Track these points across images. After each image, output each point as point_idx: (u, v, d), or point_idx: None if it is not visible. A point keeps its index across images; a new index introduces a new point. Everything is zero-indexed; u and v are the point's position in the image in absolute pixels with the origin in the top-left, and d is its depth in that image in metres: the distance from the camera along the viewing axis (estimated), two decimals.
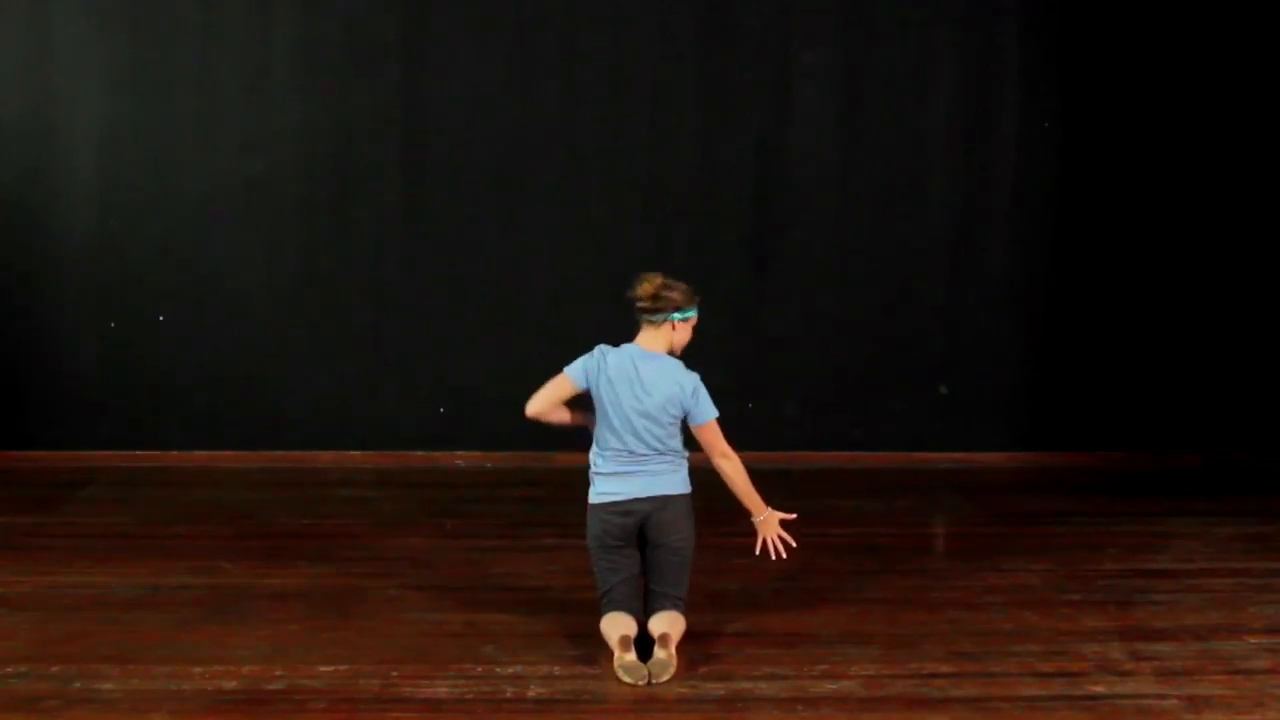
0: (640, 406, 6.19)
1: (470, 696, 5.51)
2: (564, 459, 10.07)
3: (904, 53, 10.37)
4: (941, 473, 10.12)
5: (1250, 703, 5.53)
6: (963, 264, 10.48)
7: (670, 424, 6.23)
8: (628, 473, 6.21)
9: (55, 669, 5.75)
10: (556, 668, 5.84)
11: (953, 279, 10.48)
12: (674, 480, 6.26)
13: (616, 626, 6.01)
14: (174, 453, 10.15)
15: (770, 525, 6.33)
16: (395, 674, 5.73)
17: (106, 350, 10.16)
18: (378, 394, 10.30)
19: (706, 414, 6.26)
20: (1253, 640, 6.27)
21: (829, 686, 5.67)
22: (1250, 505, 9.10)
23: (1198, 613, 6.70)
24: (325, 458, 10.18)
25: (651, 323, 6.28)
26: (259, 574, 7.28)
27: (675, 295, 6.24)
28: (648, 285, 6.23)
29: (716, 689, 5.62)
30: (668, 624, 6.04)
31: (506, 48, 10.20)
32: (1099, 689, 5.63)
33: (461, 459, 10.25)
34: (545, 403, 6.28)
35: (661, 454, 6.23)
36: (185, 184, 10.14)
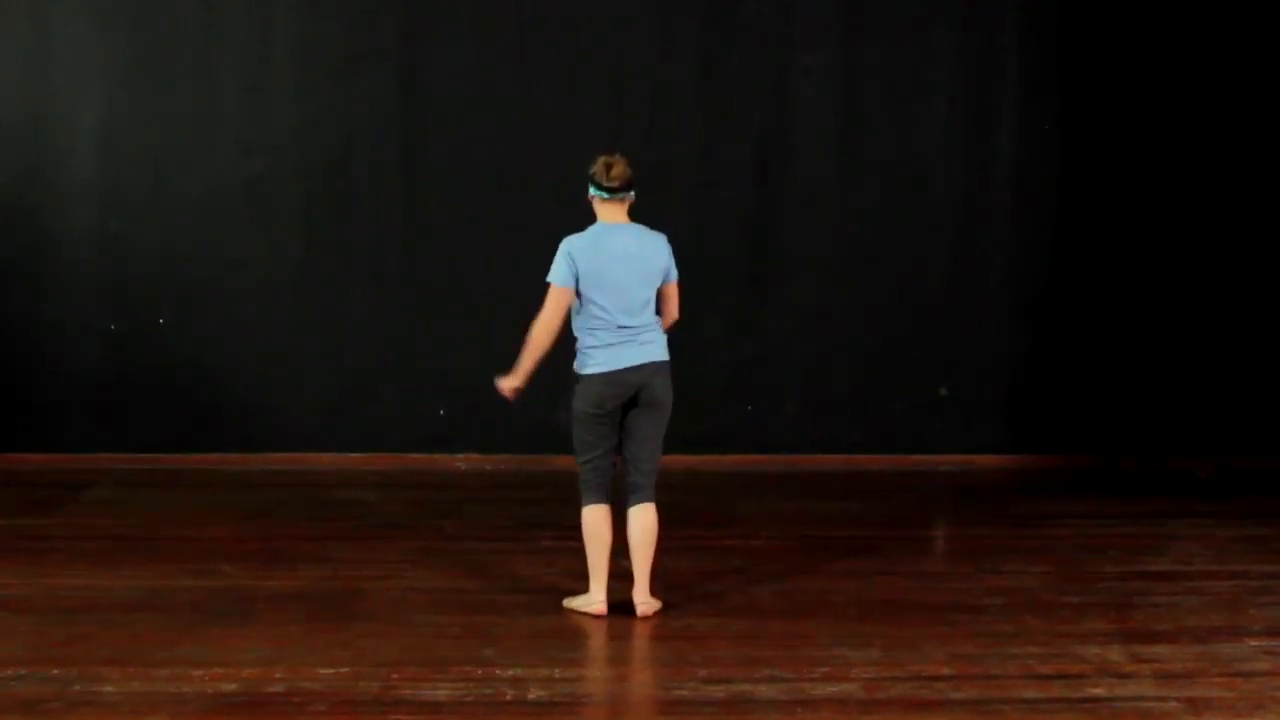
0: (641, 272, 6.62)
1: (470, 699, 5.51)
2: (563, 461, 10.05)
3: (904, 54, 10.38)
4: (941, 474, 10.12)
5: (1250, 705, 5.52)
6: (963, 265, 10.49)
7: (655, 288, 6.69)
8: (622, 343, 6.56)
9: (55, 671, 5.75)
10: (556, 670, 5.83)
11: (953, 280, 10.49)
12: (661, 348, 6.65)
13: (597, 570, 6.56)
14: (174, 455, 10.15)
15: None
16: (395, 676, 5.72)
17: (107, 352, 10.16)
18: (377, 396, 10.30)
19: (675, 272, 6.82)
20: (1253, 642, 6.27)
21: (829, 689, 5.66)
22: (1250, 507, 9.10)
23: (1198, 615, 6.69)
24: (325, 460, 10.18)
25: (620, 199, 6.71)
26: (259, 576, 7.28)
27: (630, 171, 6.72)
28: (621, 166, 6.68)
29: (716, 691, 5.61)
30: (644, 582, 6.58)
31: (506, 47, 10.21)
32: (1099, 691, 5.63)
33: (462, 461, 10.25)
34: (558, 319, 6.70)
35: (648, 324, 6.63)
36: (185, 184, 10.15)
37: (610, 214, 6.71)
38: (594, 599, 6.61)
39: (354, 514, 8.76)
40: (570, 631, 6.38)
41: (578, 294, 6.63)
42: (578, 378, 6.67)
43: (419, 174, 10.25)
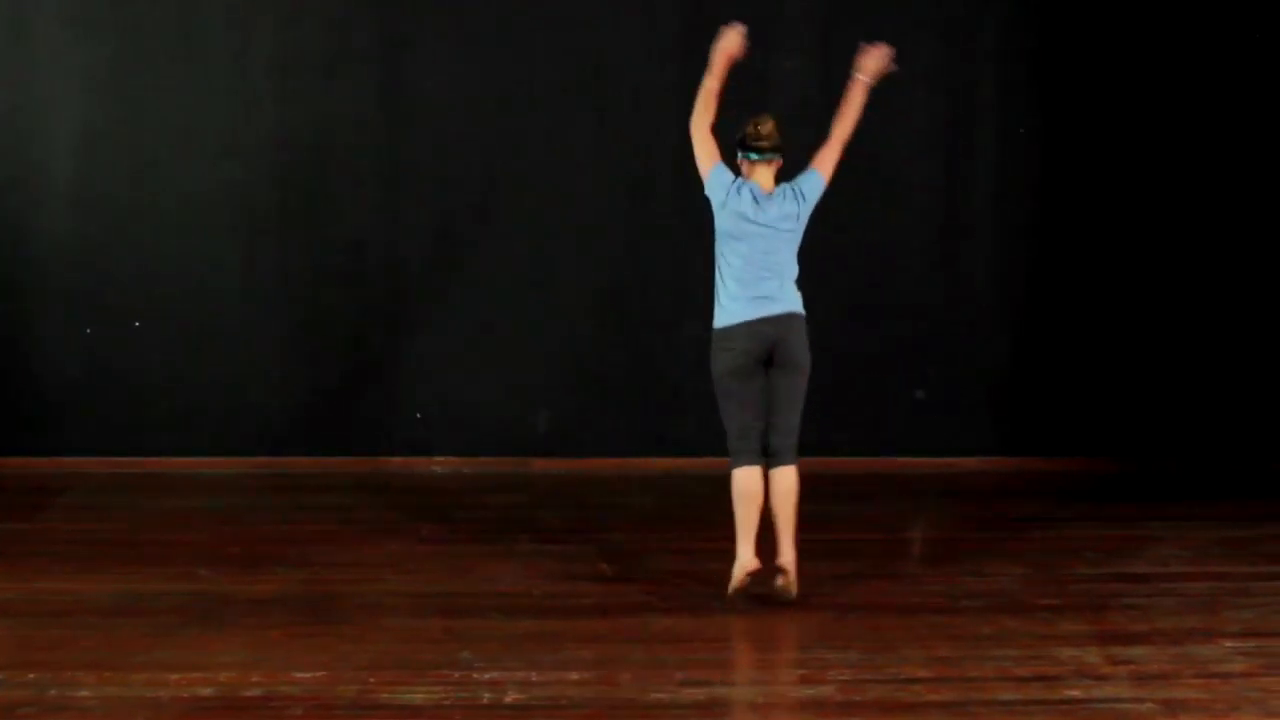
0: (765, 226, 6.76)
1: (447, 703, 5.50)
2: (541, 465, 10.08)
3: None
4: (922, 477, 10.13)
5: (1225, 706, 5.53)
6: (943, 270, 10.51)
7: (791, 238, 6.82)
8: (755, 296, 6.67)
9: (31, 676, 5.73)
10: (534, 674, 5.82)
11: (933, 285, 10.50)
12: (796, 299, 6.78)
13: (745, 530, 6.69)
14: (152, 459, 10.12)
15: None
16: (372, 680, 5.71)
17: (84, 356, 10.14)
18: (355, 400, 10.28)
19: (819, 187, 7.01)
20: (1228, 644, 6.28)
21: (806, 691, 5.67)
22: (1227, 510, 9.13)
23: (1174, 616, 6.71)
24: (303, 463, 10.16)
25: (768, 160, 6.88)
26: (237, 581, 7.26)
27: (779, 136, 6.90)
28: (770, 125, 6.88)
29: (695, 694, 5.61)
30: (788, 542, 6.74)
31: (486, 51, 10.20)
32: (1075, 693, 5.64)
33: (440, 464, 10.24)
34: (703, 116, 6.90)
35: (783, 277, 6.75)
36: (164, 189, 10.13)
37: (763, 176, 6.89)
38: (741, 560, 6.72)
39: (332, 518, 8.74)
40: (548, 635, 6.37)
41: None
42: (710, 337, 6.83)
43: (399, 178, 10.25)
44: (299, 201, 10.23)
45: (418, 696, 5.56)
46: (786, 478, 6.82)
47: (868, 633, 6.44)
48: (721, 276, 6.80)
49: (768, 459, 6.84)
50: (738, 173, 6.90)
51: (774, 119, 6.89)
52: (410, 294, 10.29)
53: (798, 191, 6.87)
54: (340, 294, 10.27)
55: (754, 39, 10.33)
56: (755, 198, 6.80)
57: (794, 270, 6.86)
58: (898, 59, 10.34)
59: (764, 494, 6.80)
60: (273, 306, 10.23)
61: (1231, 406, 10.59)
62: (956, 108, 10.48)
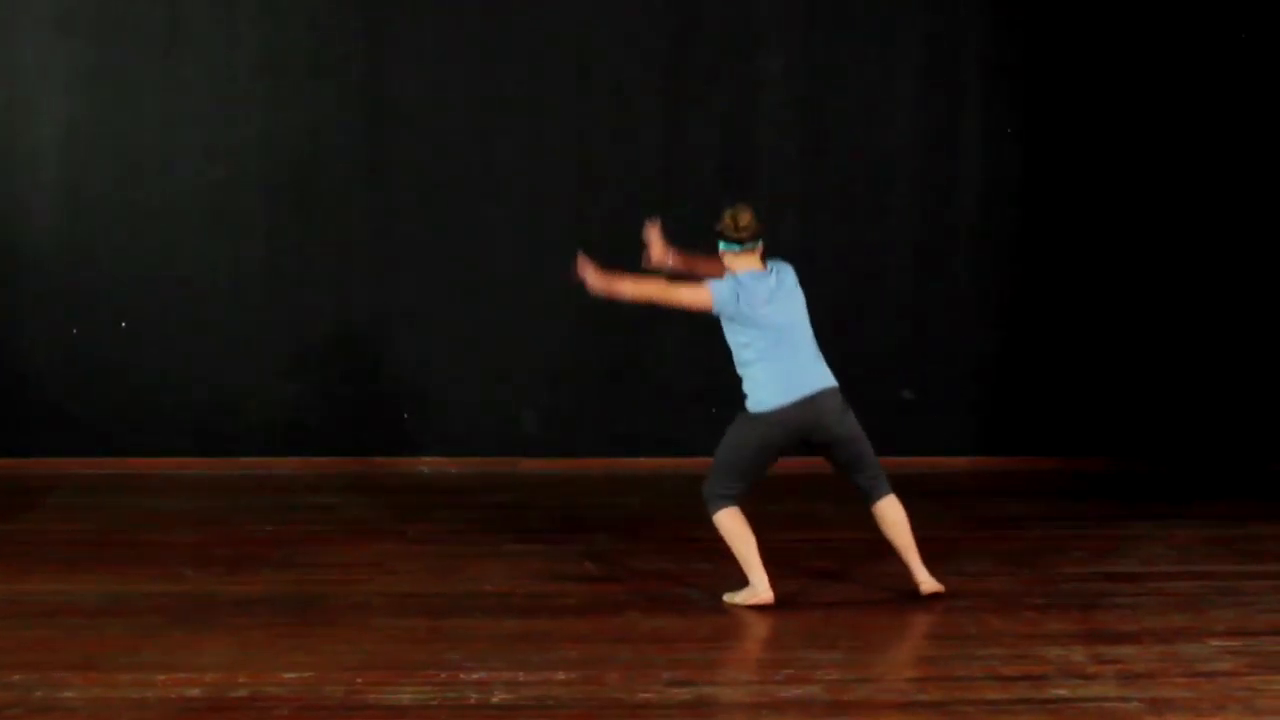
0: (778, 302, 6.77)
1: (434, 703, 5.49)
2: (528, 465, 10.08)
3: (867, 57, 10.40)
4: (907, 477, 10.10)
5: (1212, 705, 5.54)
6: (928, 270, 10.52)
7: (800, 304, 6.86)
8: (788, 379, 6.68)
9: (17, 677, 5.71)
10: (521, 674, 5.82)
11: (918, 284, 10.52)
12: (825, 371, 6.84)
13: (752, 561, 6.73)
14: (139, 459, 10.10)
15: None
16: (359, 680, 5.70)
17: (69, 357, 10.12)
18: (342, 399, 10.27)
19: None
20: (1214, 643, 6.29)
21: (794, 691, 5.66)
22: (1214, 509, 9.15)
23: (1160, 615, 6.72)
24: (290, 464, 10.16)
25: (751, 249, 6.84)
26: (223, 581, 7.25)
27: (757, 222, 6.85)
28: (748, 215, 6.82)
29: (682, 694, 5.61)
30: (917, 564, 6.94)
31: (470, 53, 10.20)
32: (1061, 692, 5.64)
33: (426, 464, 10.23)
34: (679, 302, 6.84)
35: (808, 346, 6.82)
36: (149, 190, 10.11)
37: (749, 264, 6.84)
38: (758, 590, 6.73)
39: (318, 518, 8.74)
40: (535, 635, 6.36)
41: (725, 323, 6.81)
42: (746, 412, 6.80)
43: (384, 179, 10.24)
44: (286, 202, 10.22)
45: (405, 697, 5.55)
46: (892, 508, 6.93)
47: (855, 632, 6.44)
48: (746, 365, 6.80)
49: (865, 498, 6.95)
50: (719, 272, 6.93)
51: (750, 208, 6.86)
52: (398, 294, 10.28)
53: (782, 264, 6.94)
54: (327, 295, 10.26)
55: (739, 38, 10.44)
56: (758, 280, 6.80)
57: (812, 333, 6.89)
58: (886, 59, 10.46)
59: (883, 526, 6.95)
60: (260, 307, 10.21)
61: (1220, 407, 10.62)
62: (943, 109, 10.48)
